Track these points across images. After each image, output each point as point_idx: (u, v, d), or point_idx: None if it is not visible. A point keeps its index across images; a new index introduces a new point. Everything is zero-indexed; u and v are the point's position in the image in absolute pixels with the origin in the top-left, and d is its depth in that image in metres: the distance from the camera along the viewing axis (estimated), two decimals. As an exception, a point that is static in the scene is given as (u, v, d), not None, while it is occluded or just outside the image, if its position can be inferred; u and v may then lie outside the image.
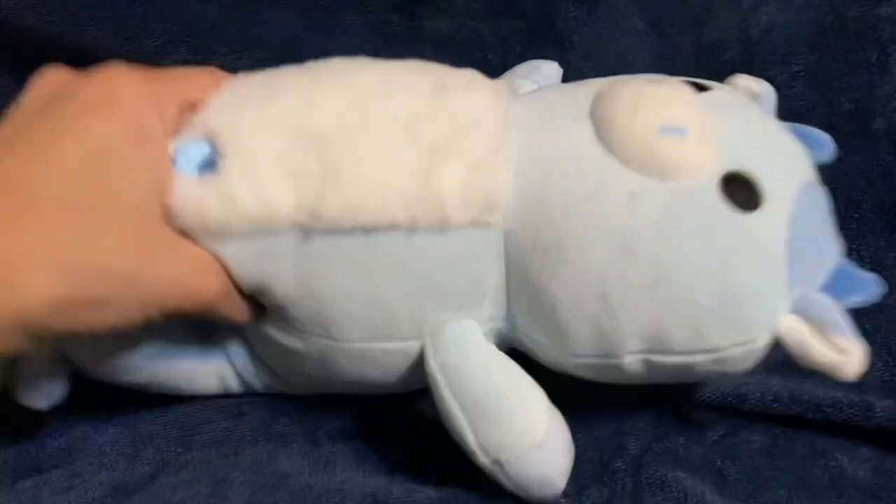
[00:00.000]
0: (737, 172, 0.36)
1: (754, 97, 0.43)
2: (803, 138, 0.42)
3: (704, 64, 0.53)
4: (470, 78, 0.40)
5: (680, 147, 0.36)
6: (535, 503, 0.37)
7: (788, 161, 0.39)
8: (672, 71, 0.49)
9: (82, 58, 0.49)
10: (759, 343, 0.36)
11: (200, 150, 0.36)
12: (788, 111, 0.48)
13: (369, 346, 0.38)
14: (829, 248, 0.38)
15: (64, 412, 0.41)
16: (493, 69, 0.53)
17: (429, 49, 0.54)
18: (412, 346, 0.38)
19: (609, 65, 0.54)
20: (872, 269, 0.42)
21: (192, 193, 0.35)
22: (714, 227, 0.36)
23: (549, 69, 0.52)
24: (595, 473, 0.40)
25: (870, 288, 0.37)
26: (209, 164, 0.36)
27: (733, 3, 0.53)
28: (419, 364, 0.39)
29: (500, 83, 0.42)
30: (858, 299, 0.37)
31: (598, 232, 0.36)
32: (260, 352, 0.42)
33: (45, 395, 0.39)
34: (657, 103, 0.37)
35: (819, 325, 0.35)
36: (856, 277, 0.38)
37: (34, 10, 0.50)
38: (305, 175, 0.35)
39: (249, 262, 0.36)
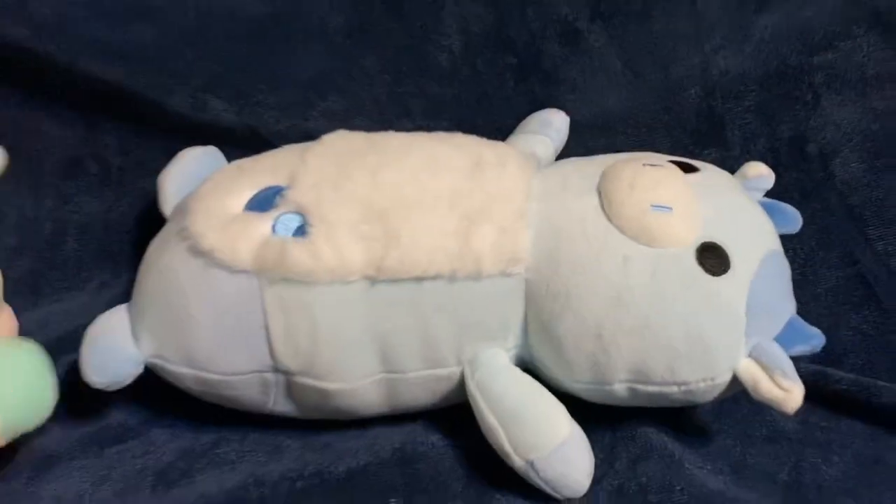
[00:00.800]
0: (710, 243, 0.46)
1: (752, 178, 0.53)
2: (776, 212, 0.52)
3: (671, 97, 0.64)
4: (503, 153, 0.51)
5: (666, 221, 0.46)
6: (564, 500, 0.47)
7: (755, 234, 0.49)
8: (641, 102, 0.64)
9: (139, 96, 0.61)
10: (721, 380, 0.46)
11: (294, 220, 0.47)
12: (740, 138, 0.64)
13: (421, 375, 0.49)
14: (783, 306, 0.48)
15: (136, 394, 0.52)
16: (490, 100, 0.65)
17: (434, 84, 0.64)
18: (455, 372, 0.49)
19: (590, 98, 0.64)
20: (804, 268, 0.60)
21: (288, 251, 0.46)
22: (689, 287, 0.46)
23: (560, 122, 0.62)
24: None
25: (814, 340, 0.47)
26: (300, 230, 0.47)
27: (696, 47, 0.63)
28: (460, 386, 0.49)
29: (527, 156, 0.52)
30: (804, 349, 0.47)
31: (598, 286, 0.46)
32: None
33: (110, 374, 0.49)
34: (650, 184, 0.48)
35: (769, 369, 0.45)
36: (804, 331, 0.48)
37: (91, 54, 0.60)
38: (372, 239, 0.46)
39: (329, 306, 0.46)
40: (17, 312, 0.57)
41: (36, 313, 0.60)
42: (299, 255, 0.46)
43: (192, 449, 0.51)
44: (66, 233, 0.64)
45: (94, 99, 0.62)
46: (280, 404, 0.50)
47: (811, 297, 0.58)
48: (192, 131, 0.62)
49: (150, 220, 0.62)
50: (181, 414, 0.53)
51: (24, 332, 0.57)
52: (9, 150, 0.61)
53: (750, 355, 0.46)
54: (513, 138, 0.61)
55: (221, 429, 0.52)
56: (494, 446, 0.47)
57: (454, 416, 0.51)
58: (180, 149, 0.61)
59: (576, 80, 0.64)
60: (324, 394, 0.48)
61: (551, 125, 0.61)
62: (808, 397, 0.50)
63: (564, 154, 0.62)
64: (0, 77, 0.62)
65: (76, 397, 0.53)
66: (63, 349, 0.55)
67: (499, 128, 0.63)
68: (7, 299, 0.57)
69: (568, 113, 0.63)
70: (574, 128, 0.62)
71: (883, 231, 0.61)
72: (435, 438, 0.51)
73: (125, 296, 0.53)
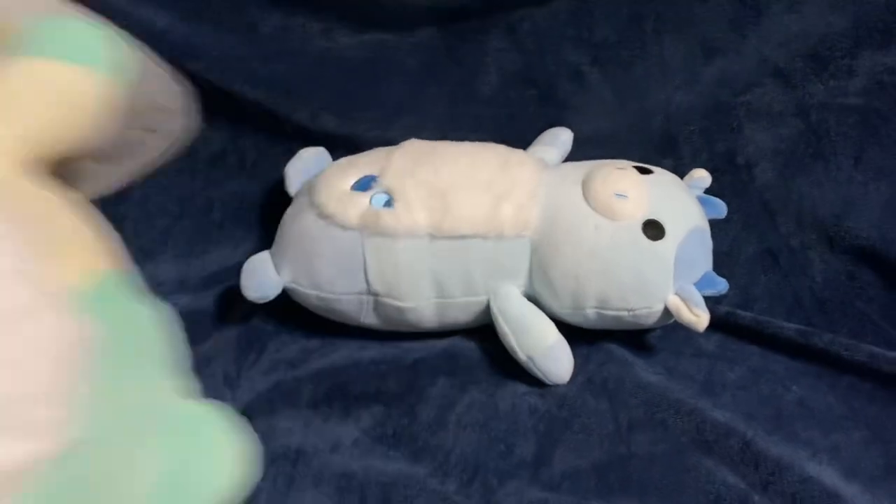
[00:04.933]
0: (652, 220, 0.69)
1: (696, 179, 0.74)
2: (709, 203, 0.74)
3: (643, 122, 0.79)
4: (523, 157, 0.74)
5: (623, 204, 0.69)
6: (552, 385, 0.69)
7: (685, 215, 0.71)
8: (624, 124, 0.79)
9: (273, 111, 0.79)
10: (656, 308, 0.69)
11: (384, 197, 0.69)
12: (688, 152, 0.79)
13: (462, 300, 0.71)
14: (700, 264, 0.70)
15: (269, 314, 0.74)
16: (517, 120, 0.80)
17: (479, 107, 0.81)
18: (484, 300, 0.71)
19: (588, 121, 0.80)
20: (731, 244, 0.76)
21: (381, 216, 0.69)
22: (636, 247, 0.68)
23: (565, 136, 0.79)
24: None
25: (719, 286, 0.69)
26: (388, 203, 0.69)
27: (662, 87, 0.79)
28: (487, 310, 0.71)
29: (539, 160, 0.76)
30: (712, 291, 0.69)
31: (578, 244, 0.69)
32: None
33: (261, 291, 0.69)
34: (615, 180, 0.70)
35: (687, 302, 0.68)
36: (713, 280, 0.70)
37: (243, 80, 0.78)
38: (434, 210, 0.68)
39: (405, 252, 0.68)
40: (182, 259, 0.79)
41: (194, 260, 0.80)
42: (388, 219, 0.69)
43: (307, 346, 0.73)
44: (212, 206, 0.82)
45: (239, 111, 0.82)
46: (369, 318, 0.72)
47: (735, 264, 0.76)
48: (308, 136, 0.81)
49: (271, 199, 0.81)
50: (300, 325, 0.76)
51: (186, 272, 0.79)
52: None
53: (676, 293, 0.68)
54: (532, 147, 0.79)
55: (327, 335, 0.75)
56: (507, 347, 0.70)
57: (482, 333, 0.74)
58: (300, 149, 0.79)
59: (578, 107, 0.81)
60: (399, 310, 0.71)
61: (559, 139, 0.79)
62: (723, 329, 0.72)
63: (569, 159, 0.78)
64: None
65: (225, 316, 0.75)
66: (216, 280, 0.77)
67: (522, 139, 0.78)
68: (175, 250, 0.80)
69: (572, 130, 0.79)
70: (575, 141, 0.79)
71: (786, 219, 0.77)
72: (469, 344, 0.74)
73: (255, 250, 0.74)
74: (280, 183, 0.79)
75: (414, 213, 0.69)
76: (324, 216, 0.71)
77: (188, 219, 0.82)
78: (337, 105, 0.83)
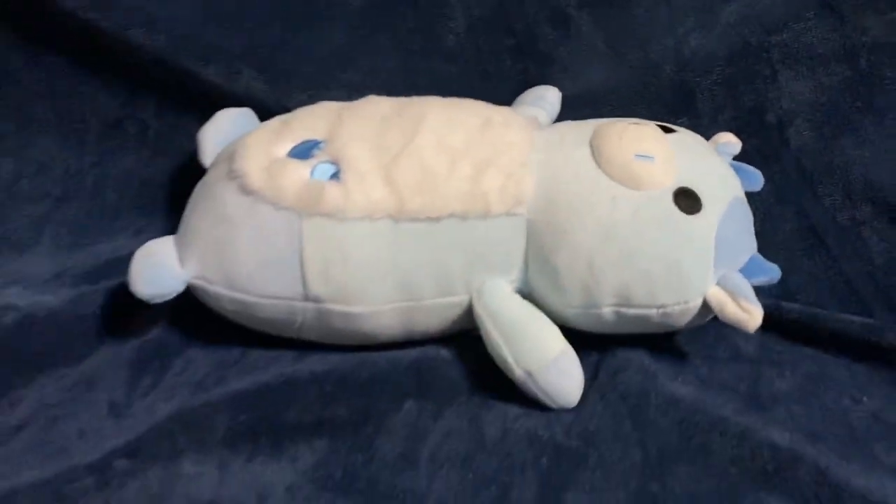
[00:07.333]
0: (685, 188, 0.54)
1: (721, 145, 0.60)
2: (742, 172, 0.60)
3: (648, 74, 0.69)
4: (508, 115, 0.58)
5: (648, 168, 0.54)
6: (558, 409, 0.53)
7: (723, 183, 0.56)
8: (623, 78, 0.69)
9: (178, 65, 0.65)
10: (693, 304, 0.54)
11: (330, 169, 0.54)
12: (708, 108, 0.69)
13: (435, 302, 0.55)
14: (746, 244, 0.56)
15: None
16: (490, 77, 0.70)
17: (441, 62, 0.70)
18: (464, 300, 0.56)
19: (578, 75, 0.69)
20: (763, 221, 0.62)
21: (325, 190, 0.53)
22: (666, 223, 0.53)
23: (552, 97, 0.68)
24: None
25: (773, 272, 0.55)
26: (335, 176, 0.54)
27: (670, 31, 0.68)
28: (468, 313, 0.56)
29: (529, 119, 0.59)
30: (764, 279, 0.55)
31: (589, 222, 0.53)
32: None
33: (157, 287, 0.54)
34: (635, 138, 0.55)
35: (734, 294, 0.53)
36: (763, 265, 0.55)
37: (136, 25, 0.65)
38: (396, 183, 0.53)
39: (358, 240, 0.53)
40: (63, 252, 0.65)
41: (78, 252, 0.65)
42: (335, 195, 0.53)
43: (224, 360, 0.57)
44: (105, 186, 0.69)
45: (137, 67, 0.67)
46: (305, 331, 0.56)
47: (769, 246, 0.61)
48: (224, 100, 0.66)
49: (180, 177, 0.68)
50: (217, 335, 0.58)
51: (64, 264, 0.64)
52: (55, 109, 0.67)
53: (718, 283, 0.53)
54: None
55: (251, 344, 0.58)
56: (497, 360, 0.54)
57: (460, 340, 0.58)
58: (213, 114, 0.65)
59: (565, 59, 0.70)
60: (350, 318, 0.54)
61: (545, 99, 0.67)
62: (765, 326, 0.57)
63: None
64: (53, 43, 0.66)
65: (117, 320, 0.59)
66: (106, 275, 0.61)
67: (497, 102, 0.65)
68: (53, 242, 0.65)
69: (559, 89, 0.68)
70: (564, 102, 0.68)
71: (830, 189, 0.66)
72: (445, 353, 0.57)
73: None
74: (190, 159, 0.65)
75: (370, 187, 0.53)
76: (248, 190, 0.54)
77: (73, 203, 0.68)
78: (259, 58, 0.68)
